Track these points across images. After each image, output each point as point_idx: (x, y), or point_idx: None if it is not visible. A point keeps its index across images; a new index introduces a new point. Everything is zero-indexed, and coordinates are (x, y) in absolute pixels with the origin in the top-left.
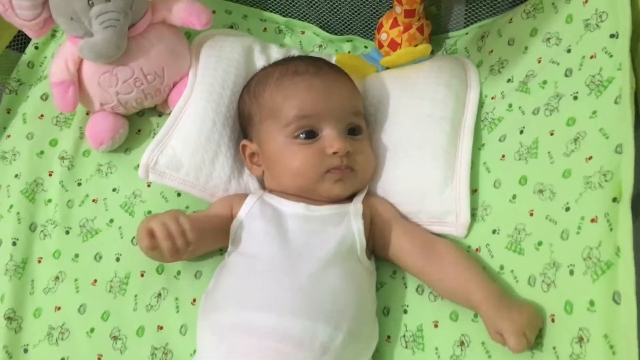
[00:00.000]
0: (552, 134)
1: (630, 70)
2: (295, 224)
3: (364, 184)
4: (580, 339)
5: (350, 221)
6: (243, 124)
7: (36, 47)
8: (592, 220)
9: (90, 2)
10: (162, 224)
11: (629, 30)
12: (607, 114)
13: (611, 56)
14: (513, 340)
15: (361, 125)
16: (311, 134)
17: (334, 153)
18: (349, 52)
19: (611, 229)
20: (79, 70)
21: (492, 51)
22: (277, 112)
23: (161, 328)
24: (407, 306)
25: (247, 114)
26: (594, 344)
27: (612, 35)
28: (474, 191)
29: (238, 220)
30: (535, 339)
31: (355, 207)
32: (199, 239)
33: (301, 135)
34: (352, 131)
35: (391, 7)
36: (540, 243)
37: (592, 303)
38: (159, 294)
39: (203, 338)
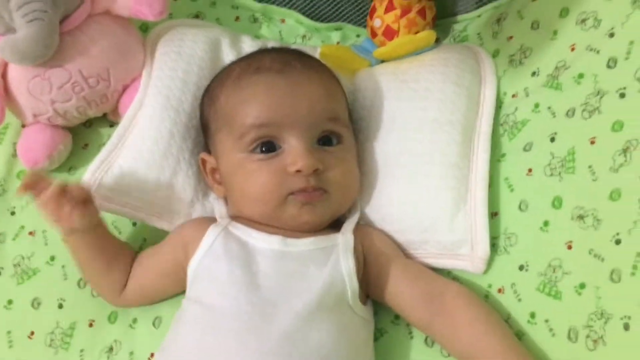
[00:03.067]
0: (593, 143)
1: None
2: (268, 263)
3: (343, 208)
4: None
5: (338, 258)
6: (203, 134)
7: None
8: None
9: None
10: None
11: None
12: None
13: None
14: None
15: (339, 133)
16: (270, 147)
17: (297, 171)
18: (338, 42)
19: None
20: (3, 75)
21: (511, 37)
22: (232, 119)
23: None
24: None
25: (204, 121)
26: None
27: None
28: (493, 215)
29: (196, 259)
30: None
31: (345, 239)
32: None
33: (257, 148)
34: (327, 141)
35: None
36: (582, 285)
37: None
38: (111, 348)
39: None
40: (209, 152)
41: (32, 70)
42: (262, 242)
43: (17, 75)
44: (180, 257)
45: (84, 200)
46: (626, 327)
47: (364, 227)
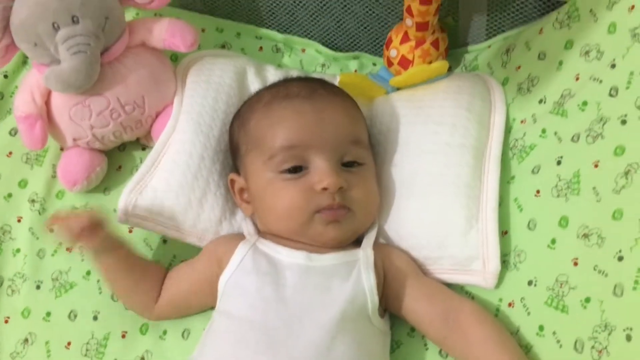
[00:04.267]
0: (596, 166)
1: None
2: (294, 277)
3: (365, 225)
4: None
5: (360, 274)
6: (232, 156)
7: (5, 76)
8: None
9: (55, 25)
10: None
11: None
12: None
13: None
14: None
15: (362, 156)
16: (297, 168)
17: (324, 189)
18: (355, 70)
19: None
20: (47, 102)
21: (519, 67)
22: (262, 141)
23: None
24: None
25: (234, 144)
26: None
27: None
28: (504, 233)
29: (227, 274)
30: None
31: (366, 255)
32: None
33: (288, 170)
34: (350, 163)
35: (401, 19)
36: (587, 299)
37: None
38: (142, 358)
39: None
40: (237, 173)
41: (74, 97)
42: (288, 258)
43: (60, 103)
44: (213, 272)
45: (93, 225)
46: (628, 337)
47: (383, 245)
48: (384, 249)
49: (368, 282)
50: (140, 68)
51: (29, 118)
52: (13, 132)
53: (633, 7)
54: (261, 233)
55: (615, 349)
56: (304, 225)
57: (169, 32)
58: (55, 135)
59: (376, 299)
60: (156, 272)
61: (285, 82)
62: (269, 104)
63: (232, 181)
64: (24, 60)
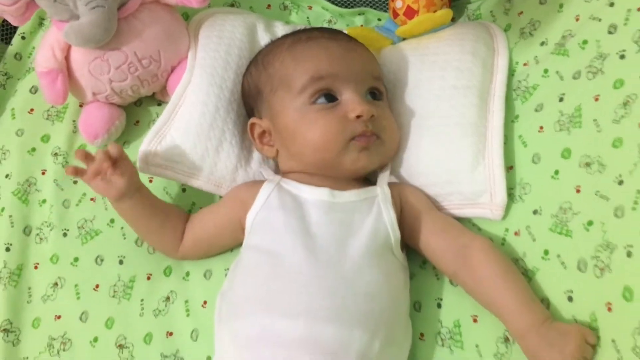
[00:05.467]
0: (597, 100)
1: None
2: (319, 214)
3: (391, 155)
4: None
5: (380, 209)
6: (250, 102)
7: (23, 37)
8: None
9: None
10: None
11: None
12: None
13: None
14: None
15: (382, 90)
16: (330, 97)
17: (358, 117)
18: (361, 25)
19: None
20: (67, 57)
21: (521, 13)
22: (290, 78)
23: (171, 334)
24: (441, 300)
25: (255, 88)
26: None
27: None
28: (509, 168)
29: (254, 211)
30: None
31: (383, 192)
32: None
33: (319, 100)
34: (374, 95)
35: None
36: (590, 223)
37: None
38: (167, 298)
39: (222, 346)
40: (256, 118)
41: (92, 52)
42: (312, 195)
43: (79, 58)
44: (236, 214)
45: (119, 159)
46: (629, 254)
47: (397, 184)
48: (399, 187)
49: (388, 216)
50: (155, 23)
51: (50, 73)
52: (33, 90)
53: None
54: (283, 174)
55: (616, 265)
56: (340, 153)
57: None
58: (75, 91)
59: (398, 232)
60: (179, 214)
61: (304, 30)
62: (293, 46)
63: (253, 126)
64: (40, 22)
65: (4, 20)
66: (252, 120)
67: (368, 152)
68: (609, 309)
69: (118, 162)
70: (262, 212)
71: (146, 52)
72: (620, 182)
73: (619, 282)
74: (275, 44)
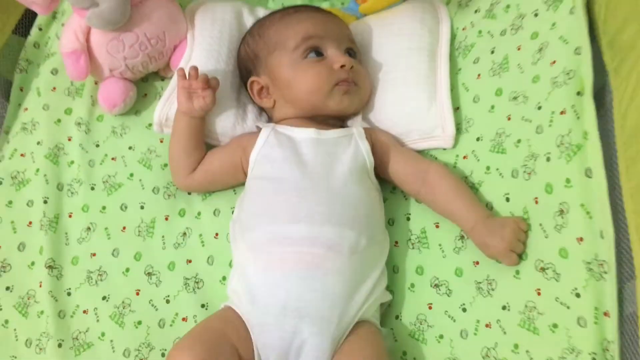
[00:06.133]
0: (519, 49)
1: None
2: (309, 148)
3: (365, 100)
4: (562, 212)
5: (357, 142)
6: (248, 65)
7: (40, 29)
8: (562, 113)
9: None
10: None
11: None
12: (565, 24)
13: None
14: (504, 259)
15: (357, 50)
16: (318, 53)
17: (342, 67)
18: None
19: (578, 118)
20: (87, 40)
21: None
22: (285, 40)
23: (190, 261)
24: (409, 214)
25: (252, 53)
26: (573, 214)
27: None
28: (456, 109)
29: (256, 149)
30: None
31: (358, 130)
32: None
33: (310, 54)
34: (350, 54)
35: None
36: (519, 141)
37: (568, 181)
38: (184, 233)
39: (239, 256)
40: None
41: (110, 34)
42: (302, 134)
43: (98, 39)
44: (238, 156)
45: (212, 87)
46: (548, 159)
47: (369, 128)
48: (370, 130)
49: (364, 146)
50: (159, 9)
51: (74, 53)
52: (54, 72)
53: None
54: (275, 123)
55: (540, 169)
56: (327, 96)
57: None
58: (94, 69)
59: (372, 158)
60: (203, 148)
61: (291, 6)
62: (283, 17)
63: (252, 84)
64: (53, 16)
65: (22, 16)
66: (252, 78)
67: (349, 95)
68: (536, 202)
69: (209, 89)
70: (263, 149)
71: (154, 33)
72: (540, 107)
73: (543, 181)
74: (267, 18)
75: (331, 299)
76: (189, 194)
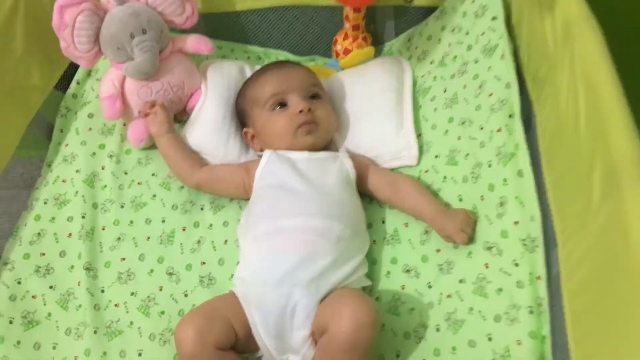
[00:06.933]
0: (465, 87)
1: (507, 38)
2: (303, 164)
3: (330, 135)
4: (501, 204)
5: (342, 161)
6: (241, 118)
7: (78, 83)
8: (498, 130)
9: (132, 34)
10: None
11: (502, 13)
12: (498, 67)
13: (494, 31)
14: (457, 237)
15: (320, 93)
16: (282, 105)
17: (300, 112)
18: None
19: (510, 134)
20: (122, 87)
21: (417, 47)
22: (258, 98)
23: (204, 263)
24: (384, 218)
25: (240, 109)
26: (510, 204)
27: (493, 18)
28: (418, 135)
29: (261, 166)
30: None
31: (343, 153)
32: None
33: (276, 108)
34: (314, 97)
35: (342, 28)
36: (467, 154)
37: (505, 180)
38: (199, 241)
39: (245, 249)
40: (247, 127)
41: (141, 82)
42: (297, 155)
43: (131, 86)
44: (242, 175)
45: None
46: (489, 165)
47: (351, 152)
48: (351, 153)
49: (348, 163)
50: (180, 64)
51: (111, 97)
52: (90, 116)
53: (473, 1)
54: None
55: (483, 173)
56: (293, 137)
57: (197, 42)
58: (126, 111)
59: (354, 172)
60: (196, 155)
61: (265, 65)
62: (256, 78)
63: (246, 132)
64: (89, 73)
65: (64, 73)
66: (245, 129)
67: (312, 133)
68: (482, 199)
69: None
70: (267, 166)
71: (175, 82)
72: (482, 128)
73: (486, 182)
74: (249, 78)
75: (319, 272)
76: (202, 209)
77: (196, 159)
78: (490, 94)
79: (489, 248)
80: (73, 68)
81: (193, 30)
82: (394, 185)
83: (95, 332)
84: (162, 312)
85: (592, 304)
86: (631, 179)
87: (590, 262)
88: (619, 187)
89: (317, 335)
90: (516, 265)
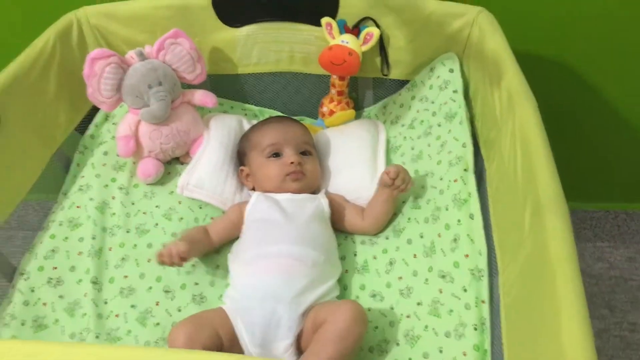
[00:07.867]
0: (429, 146)
1: (465, 107)
2: (286, 203)
3: (314, 185)
4: (455, 240)
5: (319, 200)
6: (239, 157)
7: (96, 126)
8: (455, 181)
9: (149, 85)
10: (166, 249)
11: (461, 87)
12: (456, 130)
13: (454, 101)
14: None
15: (311, 151)
16: (277, 154)
17: (292, 163)
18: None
19: (465, 184)
20: (136, 129)
21: (391, 112)
22: (258, 144)
23: (197, 283)
24: (356, 252)
25: (241, 150)
26: (462, 240)
27: (454, 91)
28: None
29: (250, 206)
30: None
31: (322, 194)
32: (222, 235)
33: (272, 155)
34: (304, 153)
35: (328, 93)
36: (429, 200)
37: (459, 221)
38: (193, 265)
39: (234, 272)
40: (244, 166)
41: (153, 126)
42: (281, 196)
43: (144, 129)
44: (237, 216)
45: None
46: (447, 209)
47: (329, 193)
48: (329, 194)
49: (324, 202)
50: (187, 113)
51: (126, 137)
52: (105, 153)
53: (438, 76)
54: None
55: (442, 215)
56: (281, 182)
57: (203, 96)
58: (138, 150)
59: (328, 209)
60: (206, 236)
61: (268, 117)
62: (260, 126)
63: (241, 170)
64: (106, 118)
65: (84, 117)
66: (241, 168)
67: (298, 181)
68: (439, 236)
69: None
70: (255, 205)
71: (182, 128)
72: (441, 179)
73: (444, 222)
74: (254, 125)
75: (298, 291)
76: None
77: (208, 241)
78: (450, 152)
79: (443, 276)
80: (91, 114)
81: (200, 86)
82: (362, 213)
83: (97, 337)
84: (158, 324)
85: (520, 317)
86: (551, 210)
87: (519, 284)
88: (542, 218)
89: (311, 332)
90: (465, 290)
